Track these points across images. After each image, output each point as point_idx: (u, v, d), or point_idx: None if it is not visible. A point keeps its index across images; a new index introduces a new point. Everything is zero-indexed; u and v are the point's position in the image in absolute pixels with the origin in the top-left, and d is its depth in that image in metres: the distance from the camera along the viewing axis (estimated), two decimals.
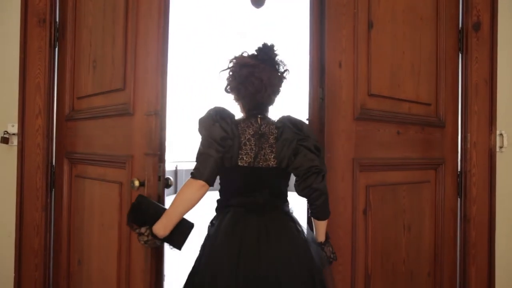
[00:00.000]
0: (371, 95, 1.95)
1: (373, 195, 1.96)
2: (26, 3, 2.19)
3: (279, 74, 1.63)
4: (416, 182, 2.14)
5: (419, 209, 2.15)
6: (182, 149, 11.94)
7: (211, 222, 1.66)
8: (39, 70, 2.19)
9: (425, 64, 2.16)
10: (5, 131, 2.21)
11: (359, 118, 1.91)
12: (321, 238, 1.68)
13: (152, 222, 1.51)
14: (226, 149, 1.53)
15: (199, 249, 1.63)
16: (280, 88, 1.66)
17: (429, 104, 2.18)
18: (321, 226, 1.67)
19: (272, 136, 1.60)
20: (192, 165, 1.56)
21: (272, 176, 1.60)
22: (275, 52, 1.62)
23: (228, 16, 12.30)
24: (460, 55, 2.27)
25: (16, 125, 2.20)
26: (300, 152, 1.58)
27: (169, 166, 10.62)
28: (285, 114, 1.68)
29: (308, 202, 1.65)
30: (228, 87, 1.65)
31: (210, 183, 1.51)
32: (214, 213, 1.69)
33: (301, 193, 1.62)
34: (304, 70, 1.95)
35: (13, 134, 2.21)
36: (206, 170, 1.49)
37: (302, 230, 1.64)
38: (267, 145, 1.59)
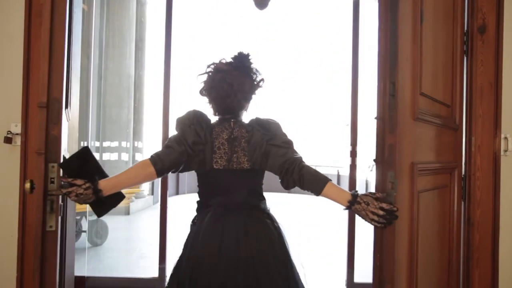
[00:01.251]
0: (421, 94, 1.79)
1: (421, 202, 1.80)
2: (30, 3, 2.19)
3: (254, 82, 1.73)
4: (441, 187, 2.07)
5: (442, 213, 2.09)
6: None
7: (193, 221, 1.74)
8: None
9: (449, 64, 2.10)
10: (9, 131, 2.21)
11: (418, 119, 1.75)
12: (343, 202, 1.55)
13: (89, 178, 1.49)
14: (195, 153, 1.62)
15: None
16: (253, 95, 1.75)
17: (448, 106, 2.11)
18: (332, 195, 1.58)
19: (243, 140, 1.67)
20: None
21: (247, 177, 1.68)
22: (250, 60, 1.72)
23: (231, 16, 12.30)
24: (465, 57, 2.26)
25: (19, 125, 2.20)
26: (270, 151, 1.64)
27: None
28: (253, 117, 1.73)
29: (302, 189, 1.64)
30: (203, 90, 1.73)
31: (159, 175, 1.58)
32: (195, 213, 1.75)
33: (287, 188, 1.64)
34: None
35: (17, 134, 2.21)
36: (164, 162, 1.57)
37: (279, 227, 1.71)
38: (240, 149, 1.66)
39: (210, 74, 1.70)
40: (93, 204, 1.54)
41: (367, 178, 9.73)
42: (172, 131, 1.73)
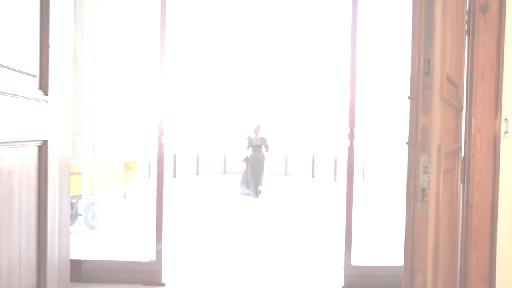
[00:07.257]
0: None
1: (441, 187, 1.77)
2: None
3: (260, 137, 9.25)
4: (449, 170, 2.02)
5: (449, 197, 2.05)
6: (180, 138, 12.05)
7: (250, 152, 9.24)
8: None
9: (458, 43, 2.03)
10: None
11: (444, 99, 1.68)
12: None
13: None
14: (250, 144, 9.27)
15: None
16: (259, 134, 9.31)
17: (456, 86, 2.06)
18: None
19: (260, 139, 9.19)
20: (187, 151, 11.56)
21: (260, 146, 9.17)
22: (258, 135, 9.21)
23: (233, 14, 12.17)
24: (466, 37, 2.21)
25: None
26: (265, 143, 9.20)
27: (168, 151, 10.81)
28: (263, 135, 9.48)
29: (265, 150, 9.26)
30: (248, 139, 9.35)
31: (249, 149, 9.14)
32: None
33: (265, 150, 9.24)
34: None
35: None
36: (248, 148, 9.23)
37: (263, 154, 9.21)
38: (259, 140, 9.19)
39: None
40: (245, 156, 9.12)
41: (364, 161, 9.74)
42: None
